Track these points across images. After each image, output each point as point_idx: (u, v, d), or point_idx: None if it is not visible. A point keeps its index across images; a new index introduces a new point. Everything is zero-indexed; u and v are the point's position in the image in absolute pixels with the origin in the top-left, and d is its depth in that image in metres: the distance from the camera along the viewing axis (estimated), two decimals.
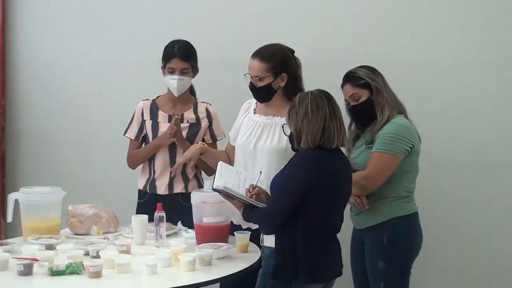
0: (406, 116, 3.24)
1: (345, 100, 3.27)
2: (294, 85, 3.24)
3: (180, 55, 3.57)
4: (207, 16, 4.28)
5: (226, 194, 2.92)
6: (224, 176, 2.98)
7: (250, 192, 2.91)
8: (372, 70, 3.24)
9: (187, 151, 3.40)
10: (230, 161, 3.40)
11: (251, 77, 3.23)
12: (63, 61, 4.51)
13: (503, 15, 3.95)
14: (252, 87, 3.23)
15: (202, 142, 3.48)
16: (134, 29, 4.39)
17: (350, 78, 3.25)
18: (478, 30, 3.97)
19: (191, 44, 3.65)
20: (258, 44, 3.30)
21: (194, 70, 3.65)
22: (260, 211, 2.84)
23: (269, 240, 2.85)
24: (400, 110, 3.23)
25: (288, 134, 2.87)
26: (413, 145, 3.15)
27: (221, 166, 3.05)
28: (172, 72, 3.58)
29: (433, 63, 4.00)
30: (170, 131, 3.50)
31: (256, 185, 2.95)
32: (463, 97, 3.98)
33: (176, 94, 3.61)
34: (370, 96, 3.20)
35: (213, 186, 2.96)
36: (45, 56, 4.55)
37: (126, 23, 4.42)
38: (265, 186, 2.97)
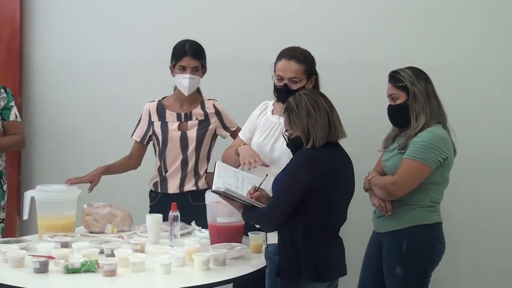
0: (444, 127, 3.14)
1: (387, 97, 3.21)
2: (315, 87, 3.25)
3: (192, 53, 3.58)
4: (218, 16, 4.29)
5: (226, 196, 2.88)
6: (223, 176, 2.93)
7: (251, 194, 2.88)
8: (418, 75, 3.14)
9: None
10: None
11: (283, 78, 3.18)
12: (77, 61, 4.53)
13: None
14: (284, 89, 3.18)
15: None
16: (146, 29, 4.40)
17: (392, 77, 3.17)
18: (494, 31, 3.95)
19: (200, 44, 3.65)
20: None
21: (203, 69, 3.65)
22: (261, 211, 2.80)
23: (272, 237, 2.83)
24: (439, 120, 3.13)
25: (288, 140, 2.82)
26: (446, 156, 3.06)
27: (218, 166, 3.00)
28: (183, 70, 3.58)
29: (448, 65, 3.97)
30: None
31: (258, 188, 2.91)
32: (478, 99, 3.96)
33: (186, 94, 3.60)
34: (407, 101, 3.12)
35: (212, 188, 2.91)
36: (60, 55, 4.56)
37: (137, 23, 4.43)
38: (268, 190, 2.92)
